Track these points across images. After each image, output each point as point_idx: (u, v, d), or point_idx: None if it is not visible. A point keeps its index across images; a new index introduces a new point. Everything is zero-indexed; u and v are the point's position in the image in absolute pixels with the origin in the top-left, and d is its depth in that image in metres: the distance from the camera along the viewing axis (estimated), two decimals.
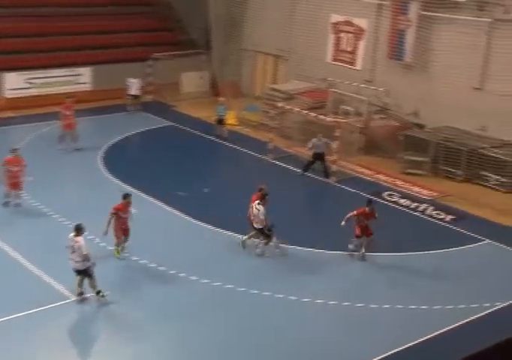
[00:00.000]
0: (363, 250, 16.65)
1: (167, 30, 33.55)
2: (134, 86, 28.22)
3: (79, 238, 13.73)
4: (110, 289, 14.40)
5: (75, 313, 14.10)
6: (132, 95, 28.32)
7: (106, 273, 14.75)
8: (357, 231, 16.65)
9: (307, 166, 22.30)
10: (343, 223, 16.60)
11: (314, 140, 22.05)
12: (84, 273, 13.85)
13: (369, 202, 17.18)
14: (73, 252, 13.71)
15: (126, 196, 16.07)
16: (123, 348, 13.09)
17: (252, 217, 16.49)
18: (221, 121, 25.95)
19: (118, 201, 15.99)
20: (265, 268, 16.26)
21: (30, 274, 15.05)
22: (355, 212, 16.66)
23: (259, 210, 16.37)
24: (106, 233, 15.53)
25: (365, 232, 16.70)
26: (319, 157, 22.15)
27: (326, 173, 22.15)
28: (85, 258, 13.65)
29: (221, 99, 26.61)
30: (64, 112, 23.57)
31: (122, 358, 12.92)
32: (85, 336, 13.61)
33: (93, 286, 13.95)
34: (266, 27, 29.93)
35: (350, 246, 16.82)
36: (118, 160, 23.14)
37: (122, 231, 15.90)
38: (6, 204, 18.40)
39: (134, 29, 32.55)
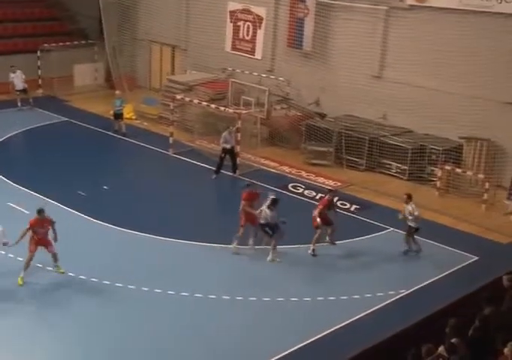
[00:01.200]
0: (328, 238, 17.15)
1: (56, 19, 31.93)
2: (17, 80, 26.51)
3: None
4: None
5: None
6: (20, 90, 26.66)
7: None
8: (318, 222, 16.64)
9: (220, 165, 21.33)
10: (318, 220, 16.56)
11: (225, 134, 21.25)
12: None
13: (329, 190, 17.63)
14: None
15: (40, 212, 14.58)
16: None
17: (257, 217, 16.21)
18: (118, 116, 24.88)
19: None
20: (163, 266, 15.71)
21: None
22: (321, 206, 16.79)
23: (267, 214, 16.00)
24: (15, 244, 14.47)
25: (326, 221, 16.87)
26: (229, 151, 21.34)
27: (235, 168, 21.54)
28: None
29: (118, 92, 25.51)
30: None
31: None
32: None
33: None
34: (162, 15, 28.99)
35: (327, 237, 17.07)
36: (9, 160, 21.77)
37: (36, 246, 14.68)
38: None
39: (21, 18, 30.75)
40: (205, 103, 23.64)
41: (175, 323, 13.58)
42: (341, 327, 13.59)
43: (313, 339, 13.10)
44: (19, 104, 26.68)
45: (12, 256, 15.34)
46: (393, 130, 22.83)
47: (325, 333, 13.33)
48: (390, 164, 22.15)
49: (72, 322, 13.38)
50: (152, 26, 29.52)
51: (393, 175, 22.08)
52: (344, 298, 14.75)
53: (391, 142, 22.08)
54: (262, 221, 16.20)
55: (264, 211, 16.13)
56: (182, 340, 13.03)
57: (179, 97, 24.20)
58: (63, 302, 14.03)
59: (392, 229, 18.23)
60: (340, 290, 15.03)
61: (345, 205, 19.75)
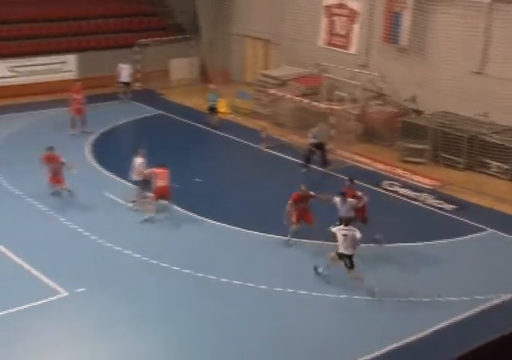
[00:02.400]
0: None
1: (154, 15, 32.56)
2: (124, 72, 27.21)
3: None
4: (101, 284, 14.12)
5: (65, 308, 13.50)
6: (123, 82, 27.35)
7: (98, 267, 14.54)
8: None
9: (308, 158, 21.31)
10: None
11: (314, 130, 21.13)
12: None
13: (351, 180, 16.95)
14: None
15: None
16: (114, 344, 12.55)
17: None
18: (212, 110, 25.10)
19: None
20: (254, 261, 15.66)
21: (18, 267, 14.63)
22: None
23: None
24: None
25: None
26: (319, 146, 21.25)
27: (325, 162, 21.38)
28: None
29: (212, 86, 25.74)
30: (74, 96, 23.50)
31: (114, 355, 12.34)
32: (74, 332, 12.90)
33: None
34: (256, 10, 29.05)
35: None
36: (107, 150, 22.38)
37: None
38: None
39: (120, 14, 31.58)
40: (297, 98, 23.51)
41: (263, 321, 13.52)
42: (437, 329, 13.17)
43: (403, 342, 12.72)
44: (120, 96, 27.37)
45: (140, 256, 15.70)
46: (494, 127, 21.98)
47: (421, 335, 12.94)
48: (489, 163, 21.34)
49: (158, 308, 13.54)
50: (247, 21, 29.62)
51: (493, 175, 21.27)
52: (441, 299, 14.27)
53: (492, 140, 21.26)
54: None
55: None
56: (268, 339, 12.94)
57: (271, 91, 24.18)
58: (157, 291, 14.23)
59: (491, 230, 17.59)
60: (436, 291, 14.53)
61: (442, 204, 19.19)
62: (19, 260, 14.93)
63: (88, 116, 23.78)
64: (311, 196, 16.28)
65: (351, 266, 14.17)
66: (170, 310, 13.62)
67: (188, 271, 14.86)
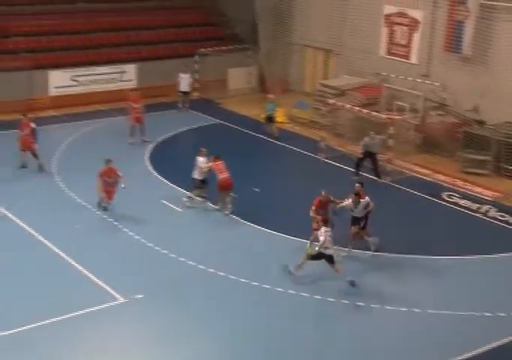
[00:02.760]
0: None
1: (212, 25, 32.81)
2: (184, 82, 27.43)
3: None
4: (159, 291, 14.22)
5: (124, 314, 13.64)
6: (182, 92, 27.58)
7: (154, 274, 14.68)
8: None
9: (358, 165, 21.12)
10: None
11: (366, 139, 20.88)
12: None
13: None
14: None
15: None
16: (168, 350, 12.58)
17: None
18: (270, 119, 25.03)
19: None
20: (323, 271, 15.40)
21: (79, 274, 14.86)
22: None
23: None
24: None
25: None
26: (370, 155, 20.96)
27: (377, 173, 21.02)
28: None
29: (270, 96, 25.66)
30: (133, 105, 23.86)
31: None
32: (130, 337, 13.00)
33: None
34: (316, 20, 28.92)
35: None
36: (166, 158, 22.56)
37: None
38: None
39: (179, 24, 31.93)
40: (357, 108, 23.25)
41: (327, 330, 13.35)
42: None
43: (469, 355, 12.49)
44: (179, 105, 27.59)
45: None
46: None
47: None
48: None
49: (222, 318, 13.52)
50: (307, 31, 29.53)
51: None
52: (503, 314, 13.94)
53: None
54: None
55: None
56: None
57: (330, 101, 23.99)
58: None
59: None
60: (498, 307, 14.17)
61: (505, 217, 18.66)
62: (81, 267, 15.13)
63: (146, 125, 24.02)
64: (332, 201, 16.31)
65: (333, 262, 14.63)
66: (228, 318, 13.55)
67: (245, 281, 14.82)
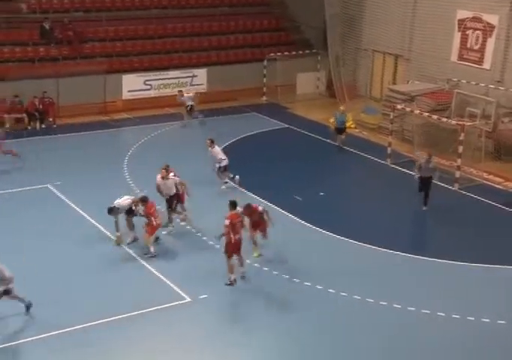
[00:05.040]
0: None
1: (282, 30, 32.99)
2: (188, 99, 26.32)
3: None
4: (224, 292, 14.38)
5: (189, 313, 13.93)
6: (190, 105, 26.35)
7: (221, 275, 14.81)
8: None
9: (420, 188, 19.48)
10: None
11: (421, 161, 19.64)
12: None
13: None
14: None
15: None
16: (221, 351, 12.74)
17: None
18: (340, 131, 24.29)
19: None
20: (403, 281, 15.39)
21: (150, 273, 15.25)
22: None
23: None
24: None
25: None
26: (425, 181, 19.25)
27: (425, 201, 19.33)
28: None
29: (342, 108, 24.86)
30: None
31: None
32: (200, 335, 13.24)
33: None
34: (386, 25, 28.66)
35: None
36: (233, 162, 22.70)
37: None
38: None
39: (249, 30, 32.23)
40: (426, 114, 22.93)
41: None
42: None
43: None
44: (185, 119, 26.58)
45: None
46: None
47: None
48: None
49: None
50: (376, 36, 29.30)
51: None
52: None
53: None
54: None
55: None
56: None
57: (399, 106, 23.75)
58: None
59: None
60: None
61: None
62: (150, 267, 15.55)
63: (215, 129, 24.32)
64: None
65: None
66: (293, 322, 13.61)
67: (333, 291, 14.77)
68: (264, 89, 29.96)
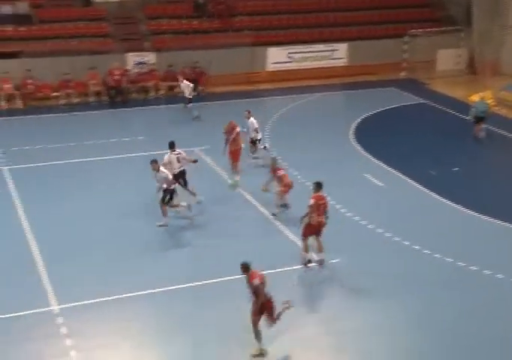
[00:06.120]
0: None
1: (426, 6, 33.01)
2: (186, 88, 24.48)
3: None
4: (353, 257, 15.02)
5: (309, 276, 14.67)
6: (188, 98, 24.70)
7: (353, 242, 15.61)
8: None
9: None
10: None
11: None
12: None
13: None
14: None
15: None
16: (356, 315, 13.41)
17: None
18: (479, 120, 23.17)
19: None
20: None
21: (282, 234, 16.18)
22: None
23: None
24: None
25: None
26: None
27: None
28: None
29: (481, 94, 24.53)
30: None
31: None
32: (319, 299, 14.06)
33: None
34: None
35: None
36: (369, 135, 23.50)
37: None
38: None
39: (392, 5, 32.52)
40: None
41: None
42: None
43: None
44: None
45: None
46: None
47: None
48: None
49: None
50: None
51: None
52: None
53: None
54: None
55: None
56: None
57: None
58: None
59: None
60: None
61: None
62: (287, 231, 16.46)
63: (353, 102, 25.07)
64: None
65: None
66: (416, 292, 14.07)
67: (438, 256, 15.24)
68: (404, 65, 30.35)
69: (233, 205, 17.73)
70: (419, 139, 22.89)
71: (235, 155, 18.96)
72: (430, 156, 21.44)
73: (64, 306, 13.15)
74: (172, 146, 17.37)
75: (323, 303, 13.98)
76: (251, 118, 20.26)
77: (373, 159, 21.08)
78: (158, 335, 12.53)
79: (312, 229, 14.50)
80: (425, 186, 19.04)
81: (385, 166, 20.43)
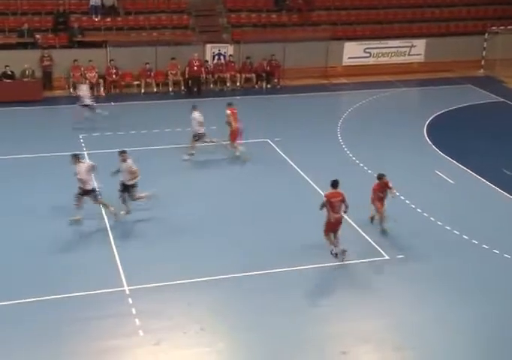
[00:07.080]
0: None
1: (507, 3, 32.40)
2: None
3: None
4: (418, 254, 15.20)
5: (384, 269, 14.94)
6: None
7: (419, 239, 15.80)
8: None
9: None
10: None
11: None
12: None
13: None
14: None
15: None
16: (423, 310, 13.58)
17: None
18: None
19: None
20: None
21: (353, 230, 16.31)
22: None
23: None
24: None
25: None
26: None
27: None
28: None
29: None
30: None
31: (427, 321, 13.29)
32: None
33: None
34: None
35: None
36: (443, 132, 23.39)
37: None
38: None
39: (472, 2, 32.15)
40: None
41: None
42: None
43: None
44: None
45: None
46: None
47: None
48: None
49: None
50: None
51: None
52: None
53: None
54: None
55: None
56: None
57: None
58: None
59: None
60: None
61: None
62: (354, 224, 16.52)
63: (428, 98, 24.92)
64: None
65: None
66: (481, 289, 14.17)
67: (508, 256, 15.24)
68: (482, 62, 29.96)
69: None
70: (494, 138, 22.64)
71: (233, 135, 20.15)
72: (505, 155, 21.21)
73: (133, 287, 13.66)
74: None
75: (387, 296, 14.01)
76: (196, 112, 20.05)
77: (445, 156, 21.01)
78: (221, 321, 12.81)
79: (331, 226, 14.80)
80: (498, 185, 18.87)
81: (457, 163, 20.37)
